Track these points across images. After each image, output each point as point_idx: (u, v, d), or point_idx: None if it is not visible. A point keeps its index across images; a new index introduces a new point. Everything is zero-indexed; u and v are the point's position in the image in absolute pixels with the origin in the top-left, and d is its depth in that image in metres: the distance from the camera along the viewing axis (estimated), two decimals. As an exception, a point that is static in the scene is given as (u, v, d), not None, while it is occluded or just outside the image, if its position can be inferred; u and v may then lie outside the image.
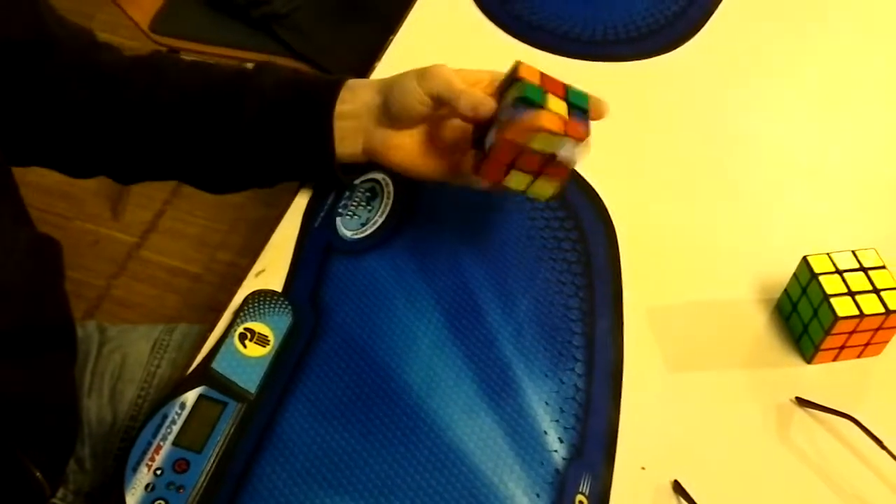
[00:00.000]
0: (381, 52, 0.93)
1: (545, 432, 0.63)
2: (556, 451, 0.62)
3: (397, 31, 0.96)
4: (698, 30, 0.96)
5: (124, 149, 0.75)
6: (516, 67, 0.66)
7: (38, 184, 1.93)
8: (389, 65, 0.91)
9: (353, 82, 0.74)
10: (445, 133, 0.72)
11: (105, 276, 1.84)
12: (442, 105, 0.69)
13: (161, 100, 0.73)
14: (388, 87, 0.72)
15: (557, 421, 0.64)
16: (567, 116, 0.63)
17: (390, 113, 0.71)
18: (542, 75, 0.66)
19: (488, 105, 0.66)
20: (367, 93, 0.73)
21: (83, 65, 0.74)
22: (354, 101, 0.72)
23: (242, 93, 0.73)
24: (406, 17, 0.98)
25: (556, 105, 0.63)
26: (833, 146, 0.84)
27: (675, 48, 0.94)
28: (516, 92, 0.64)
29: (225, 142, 0.73)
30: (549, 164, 0.64)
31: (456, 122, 0.71)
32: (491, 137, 0.65)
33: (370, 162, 0.75)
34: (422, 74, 0.69)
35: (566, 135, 0.62)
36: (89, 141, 0.75)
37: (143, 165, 0.77)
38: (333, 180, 0.77)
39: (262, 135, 0.73)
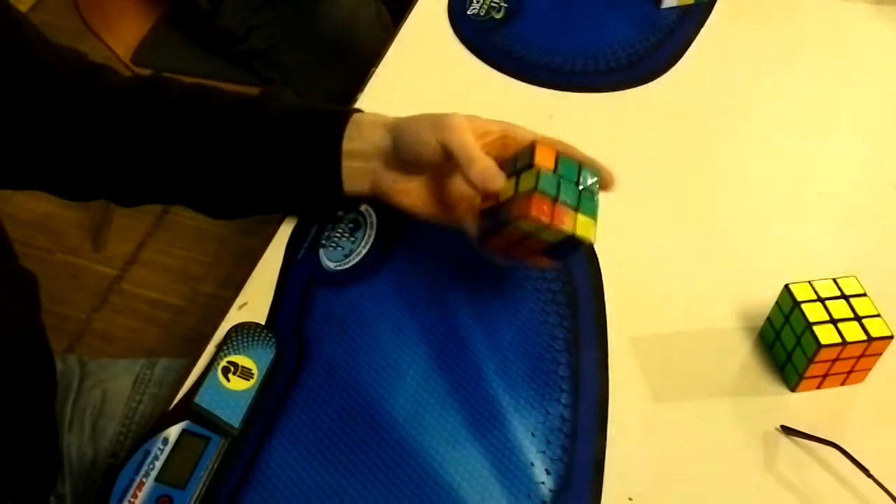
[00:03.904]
0: (362, 84, 0.94)
1: (532, 464, 0.63)
2: (543, 482, 0.62)
3: (379, 62, 0.97)
4: (677, 60, 0.97)
5: (126, 171, 0.74)
6: (533, 150, 0.65)
7: (18, 216, 1.93)
8: (371, 96, 0.92)
9: (359, 117, 0.72)
10: (455, 185, 0.71)
11: (86, 310, 1.83)
12: (452, 159, 0.67)
13: (164, 122, 0.72)
14: (400, 130, 0.70)
15: (544, 452, 0.63)
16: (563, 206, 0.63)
17: (400, 157, 0.69)
18: (559, 155, 0.65)
19: (497, 182, 0.64)
20: (376, 133, 0.71)
21: (77, 87, 0.73)
22: (363, 139, 0.71)
23: (251, 118, 0.72)
24: (387, 49, 0.98)
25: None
26: (812, 175, 0.85)
27: (654, 79, 0.95)
28: (531, 180, 0.63)
29: (231, 166, 0.72)
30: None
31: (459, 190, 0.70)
32: (502, 215, 0.64)
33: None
34: (436, 124, 0.67)
35: (551, 224, 0.62)
36: (89, 163, 0.74)
37: (144, 188, 0.76)
38: (336, 209, 0.76)
39: (269, 162, 0.72)
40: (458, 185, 0.71)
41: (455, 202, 0.71)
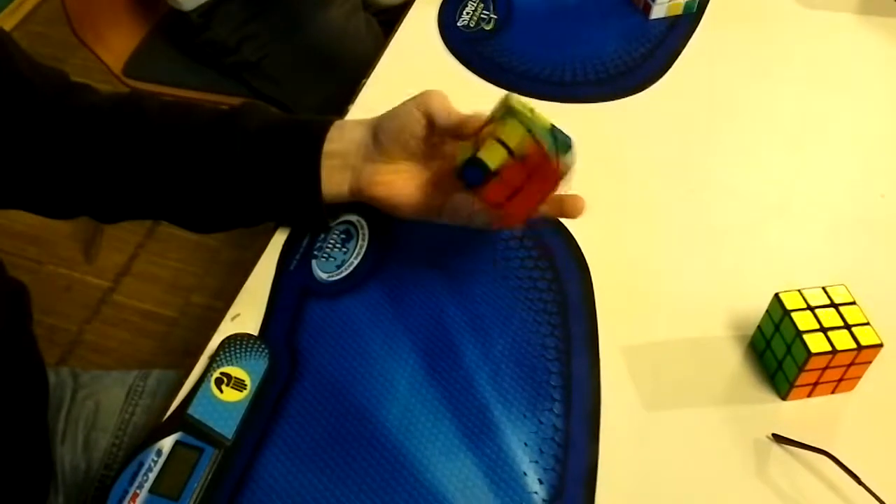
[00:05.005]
0: (353, 95, 0.94)
1: (525, 473, 0.63)
2: (536, 492, 0.62)
3: (369, 74, 0.97)
4: (666, 71, 0.98)
5: (107, 189, 0.74)
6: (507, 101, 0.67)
7: (10, 228, 1.93)
8: (362, 107, 0.92)
9: (342, 122, 0.74)
10: (434, 165, 0.72)
11: (78, 321, 1.83)
12: (433, 131, 0.69)
13: (145, 139, 0.73)
14: (382, 119, 0.72)
15: (537, 462, 0.64)
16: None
17: (381, 143, 0.71)
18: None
19: (477, 119, 0.67)
20: (356, 130, 0.73)
21: (59, 107, 0.73)
22: (343, 139, 0.72)
23: (229, 133, 0.72)
24: (378, 60, 0.99)
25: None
26: (801, 183, 0.86)
27: (644, 89, 0.95)
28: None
29: (211, 181, 0.73)
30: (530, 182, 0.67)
31: (447, 150, 0.72)
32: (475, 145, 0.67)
33: (353, 202, 0.75)
34: (417, 98, 0.70)
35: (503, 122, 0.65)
36: (70, 182, 0.74)
37: (126, 205, 0.76)
38: (318, 221, 0.77)
39: (249, 175, 0.72)
40: (439, 161, 0.72)
41: (435, 186, 0.72)
